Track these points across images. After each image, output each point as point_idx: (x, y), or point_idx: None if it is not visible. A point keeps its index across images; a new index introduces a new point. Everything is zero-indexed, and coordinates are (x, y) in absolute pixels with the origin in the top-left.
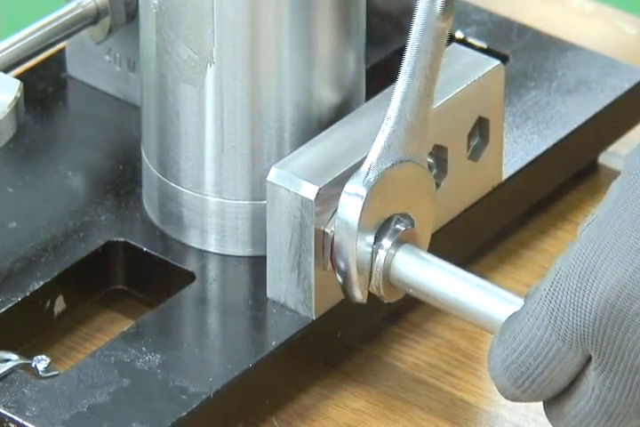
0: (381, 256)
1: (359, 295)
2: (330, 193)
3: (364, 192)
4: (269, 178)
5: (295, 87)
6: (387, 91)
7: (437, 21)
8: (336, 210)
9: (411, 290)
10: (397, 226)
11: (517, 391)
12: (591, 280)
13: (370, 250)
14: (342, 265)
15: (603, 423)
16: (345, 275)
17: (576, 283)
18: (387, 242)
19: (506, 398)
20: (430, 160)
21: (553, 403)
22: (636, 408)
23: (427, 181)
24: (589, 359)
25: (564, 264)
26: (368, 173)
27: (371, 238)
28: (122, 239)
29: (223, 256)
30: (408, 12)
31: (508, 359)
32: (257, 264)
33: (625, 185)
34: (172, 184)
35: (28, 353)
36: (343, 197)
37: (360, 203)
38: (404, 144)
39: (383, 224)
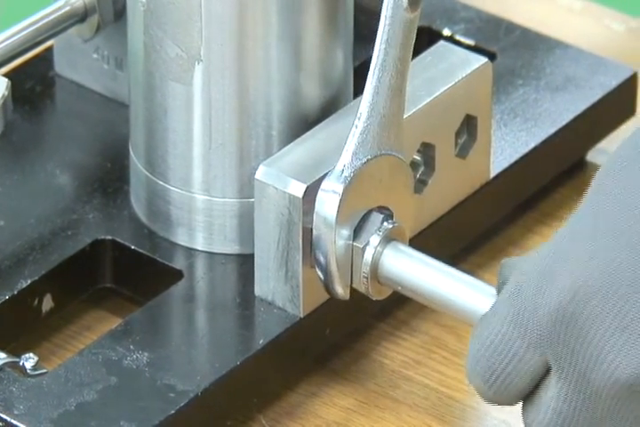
0: (369, 254)
1: (341, 291)
2: (317, 191)
3: (340, 189)
4: (257, 176)
5: (283, 85)
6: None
7: (405, 13)
8: None
9: (399, 287)
10: (385, 223)
11: (485, 387)
12: (549, 281)
13: (349, 244)
14: (322, 260)
15: None
16: (325, 271)
17: (536, 283)
18: (375, 239)
19: (482, 398)
20: (418, 158)
21: (523, 410)
22: (590, 424)
23: (404, 174)
24: (550, 368)
25: (529, 263)
26: (344, 170)
27: (350, 233)
28: (110, 237)
29: (211, 254)
30: None
31: (478, 354)
32: (245, 262)
33: (592, 192)
34: (160, 182)
35: (16, 351)
36: (320, 195)
37: (337, 199)
38: (379, 138)
39: (363, 219)
